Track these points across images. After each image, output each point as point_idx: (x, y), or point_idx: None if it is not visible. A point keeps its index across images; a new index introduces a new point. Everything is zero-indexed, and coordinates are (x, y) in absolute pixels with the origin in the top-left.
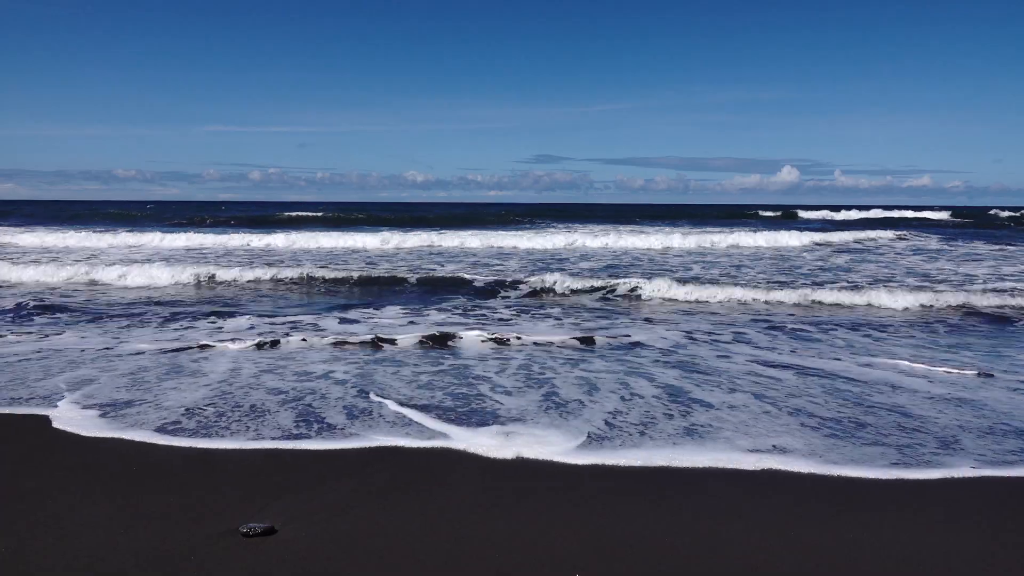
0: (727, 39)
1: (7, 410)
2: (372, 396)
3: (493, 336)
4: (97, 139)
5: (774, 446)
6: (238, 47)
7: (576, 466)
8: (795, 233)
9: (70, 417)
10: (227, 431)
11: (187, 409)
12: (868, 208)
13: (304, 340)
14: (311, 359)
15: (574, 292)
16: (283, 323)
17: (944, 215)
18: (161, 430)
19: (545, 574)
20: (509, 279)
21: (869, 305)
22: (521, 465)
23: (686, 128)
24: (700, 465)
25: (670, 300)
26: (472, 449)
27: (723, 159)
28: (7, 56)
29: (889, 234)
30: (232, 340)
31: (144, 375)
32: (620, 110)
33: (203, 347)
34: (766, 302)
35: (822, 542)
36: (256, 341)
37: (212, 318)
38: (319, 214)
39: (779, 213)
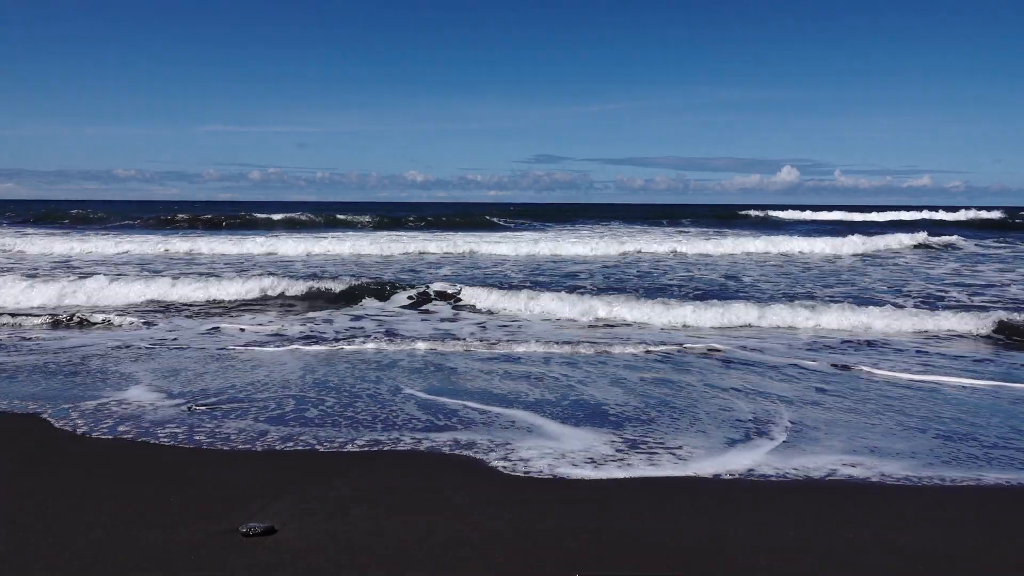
0: (727, 39)
1: None
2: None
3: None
4: (97, 139)
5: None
6: (238, 47)
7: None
8: (828, 239)
9: None
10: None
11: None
12: (880, 209)
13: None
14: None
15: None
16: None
17: (995, 214)
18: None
19: (545, 574)
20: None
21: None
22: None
23: (686, 128)
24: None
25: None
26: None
27: (723, 159)
28: (7, 56)
29: (930, 239)
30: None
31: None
32: (620, 110)
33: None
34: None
35: None
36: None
37: None
38: (297, 215)
39: (806, 214)
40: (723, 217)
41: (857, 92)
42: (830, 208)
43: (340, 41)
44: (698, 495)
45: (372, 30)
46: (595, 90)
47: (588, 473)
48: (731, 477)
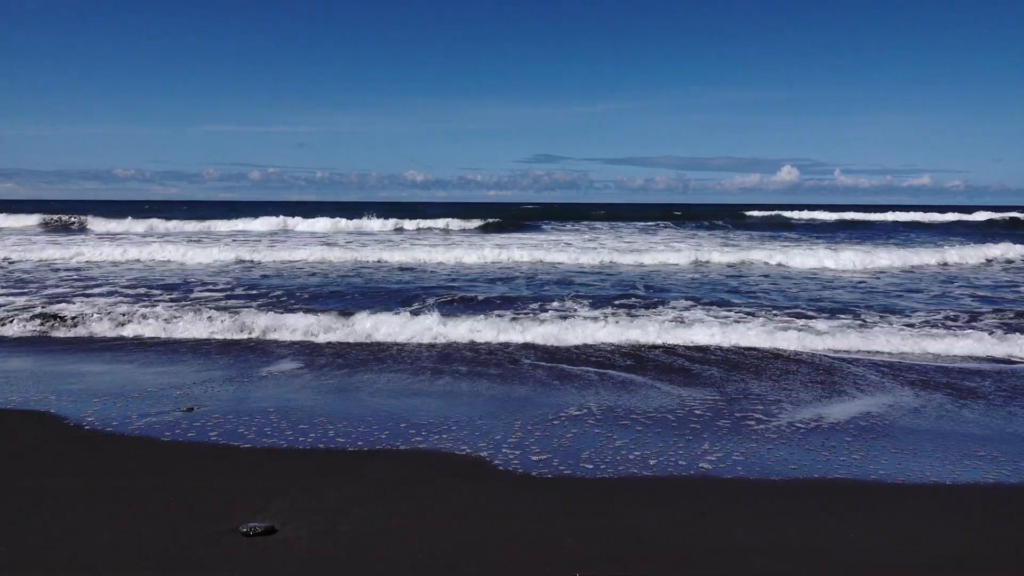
0: (727, 39)
1: None
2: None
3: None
4: (97, 139)
5: None
6: (237, 46)
7: None
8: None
9: None
10: None
11: None
12: (887, 209)
13: None
14: None
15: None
16: None
17: None
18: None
19: (545, 574)
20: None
21: None
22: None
23: (686, 128)
24: None
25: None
26: None
27: (723, 159)
28: (7, 56)
29: None
30: None
31: None
32: (620, 110)
33: None
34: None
35: None
36: None
37: None
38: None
39: (835, 216)
40: (738, 217)
41: (857, 92)
42: (833, 207)
43: (340, 41)
44: (699, 494)
45: (372, 30)
46: (595, 90)
47: (589, 472)
48: (733, 475)
